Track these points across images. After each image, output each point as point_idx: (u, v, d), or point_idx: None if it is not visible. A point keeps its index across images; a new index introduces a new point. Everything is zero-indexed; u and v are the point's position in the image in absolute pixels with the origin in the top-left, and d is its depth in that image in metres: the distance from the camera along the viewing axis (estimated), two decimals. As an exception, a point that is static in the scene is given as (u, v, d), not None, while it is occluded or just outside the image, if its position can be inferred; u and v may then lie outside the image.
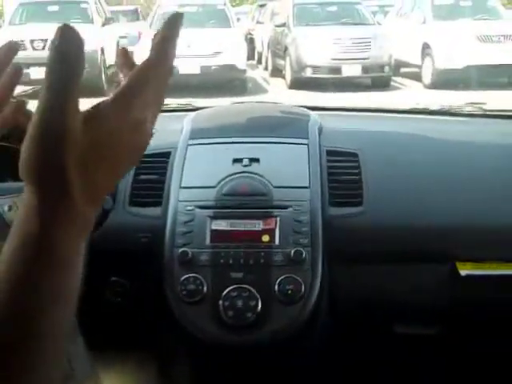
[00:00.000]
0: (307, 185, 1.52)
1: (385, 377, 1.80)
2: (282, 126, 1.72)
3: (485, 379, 1.77)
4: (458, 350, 1.74)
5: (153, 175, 1.59)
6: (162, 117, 2.08)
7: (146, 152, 1.67)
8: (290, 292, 1.38)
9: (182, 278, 1.40)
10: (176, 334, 1.48)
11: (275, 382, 1.57)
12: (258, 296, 1.38)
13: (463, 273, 1.52)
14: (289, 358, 1.54)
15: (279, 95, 9.73)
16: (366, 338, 1.67)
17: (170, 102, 2.27)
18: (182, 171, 1.55)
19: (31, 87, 10.78)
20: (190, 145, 1.61)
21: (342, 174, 1.58)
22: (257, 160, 1.57)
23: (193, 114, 1.79)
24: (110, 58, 11.74)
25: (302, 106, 1.91)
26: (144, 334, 1.59)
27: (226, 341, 1.38)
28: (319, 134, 1.66)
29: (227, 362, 1.50)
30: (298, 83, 10.78)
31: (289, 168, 1.57)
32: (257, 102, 2.25)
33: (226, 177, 1.53)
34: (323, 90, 9.27)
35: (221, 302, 1.37)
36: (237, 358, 1.47)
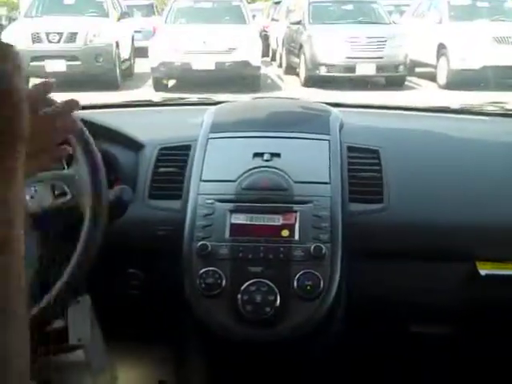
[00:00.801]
0: (328, 180, 1.51)
1: (397, 374, 1.79)
2: (303, 122, 1.71)
3: (498, 379, 1.75)
4: (475, 350, 1.73)
5: (173, 168, 1.58)
6: (182, 110, 2.09)
7: (165, 145, 1.68)
8: (308, 288, 1.38)
9: (201, 271, 1.39)
10: (193, 327, 1.48)
11: (290, 376, 1.57)
12: (277, 291, 1.37)
13: (483, 272, 1.51)
14: (304, 354, 1.54)
15: (293, 93, 9.72)
16: (382, 336, 1.66)
17: (188, 96, 2.27)
18: (203, 164, 1.55)
19: (46, 79, 10.83)
20: (211, 138, 1.61)
21: (362, 170, 1.58)
22: (278, 155, 1.56)
23: (213, 107, 1.78)
24: (125, 52, 11.76)
25: (322, 102, 1.90)
26: (161, 327, 1.59)
27: (244, 335, 1.38)
28: (340, 130, 1.65)
29: (244, 356, 1.49)
30: (312, 81, 10.78)
31: (309, 163, 1.56)
32: (277, 98, 2.25)
33: (247, 171, 1.52)
34: (337, 89, 9.25)
35: (239, 296, 1.37)
36: (253, 353, 1.47)
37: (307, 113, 1.82)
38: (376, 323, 1.61)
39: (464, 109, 2.14)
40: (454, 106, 2.16)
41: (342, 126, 1.67)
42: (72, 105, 0.97)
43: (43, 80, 0.94)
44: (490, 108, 2.13)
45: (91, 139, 1.20)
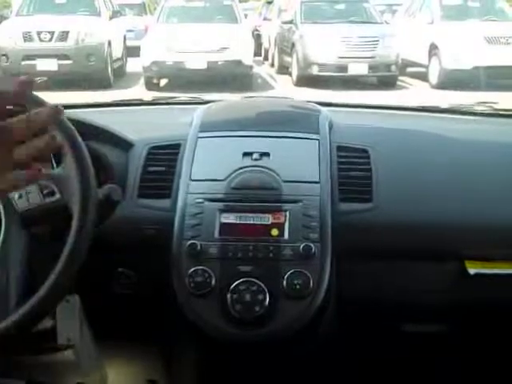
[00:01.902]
0: (317, 180, 1.51)
1: (388, 374, 1.79)
2: (293, 121, 1.71)
3: (492, 377, 1.76)
4: (466, 348, 1.74)
5: (162, 167, 1.58)
6: (171, 109, 2.09)
7: (155, 144, 1.67)
8: (298, 287, 1.38)
9: (190, 270, 1.39)
10: (183, 326, 1.47)
11: (280, 376, 1.57)
12: (266, 290, 1.37)
13: (472, 271, 1.51)
14: (295, 353, 1.54)
15: (285, 92, 9.72)
16: (372, 335, 1.67)
17: (179, 95, 2.27)
18: (192, 164, 1.55)
19: (37, 78, 10.80)
20: (200, 137, 1.61)
21: (352, 169, 1.58)
22: (267, 154, 1.56)
23: (203, 107, 1.78)
24: (117, 51, 11.74)
25: (312, 102, 1.90)
26: (150, 327, 1.59)
27: (233, 334, 1.38)
28: (330, 130, 1.65)
29: (233, 356, 1.49)
30: (305, 80, 10.80)
31: (299, 163, 1.56)
32: (267, 97, 2.25)
33: (236, 170, 1.52)
34: (329, 88, 9.27)
35: (229, 295, 1.37)
36: (243, 352, 1.47)
37: (297, 112, 1.82)
38: (366, 322, 1.61)
39: (454, 108, 2.15)
40: (444, 105, 2.16)
41: (331, 126, 1.68)
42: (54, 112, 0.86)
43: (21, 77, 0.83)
44: (480, 108, 2.13)
45: (80, 138, 1.20)
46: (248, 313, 1.36)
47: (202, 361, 1.59)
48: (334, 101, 2.18)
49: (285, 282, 1.38)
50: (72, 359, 1.51)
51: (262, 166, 1.53)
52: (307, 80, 10.74)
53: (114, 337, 1.64)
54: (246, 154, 1.56)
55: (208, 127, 1.65)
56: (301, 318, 1.38)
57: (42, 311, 1.20)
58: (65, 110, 1.19)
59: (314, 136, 1.61)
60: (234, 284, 1.38)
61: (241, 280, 1.38)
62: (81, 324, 1.45)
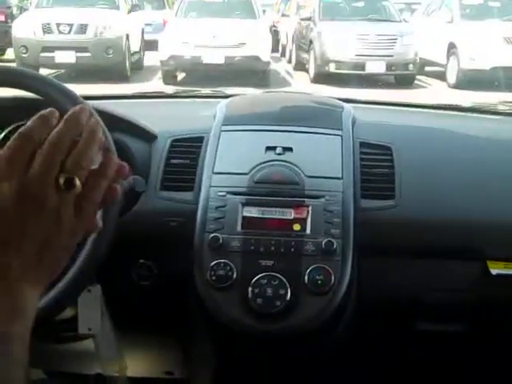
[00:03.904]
0: (340, 176, 1.51)
1: (405, 372, 1.79)
2: (316, 116, 1.71)
3: (508, 378, 1.75)
4: (483, 349, 1.73)
5: (185, 160, 1.58)
6: (194, 103, 2.09)
7: (178, 136, 1.67)
8: (319, 282, 1.38)
9: (212, 263, 1.39)
10: (202, 319, 1.48)
11: (298, 371, 1.57)
12: (288, 285, 1.37)
13: (494, 272, 1.50)
14: (313, 348, 1.54)
15: (302, 89, 9.71)
16: (389, 332, 1.66)
17: (199, 89, 2.27)
18: (215, 157, 1.55)
19: (55, 71, 10.86)
20: (224, 131, 1.61)
21: (374, 166, 1.57)
22: (290, 149, 1.56)
23: (225, 100, 1.78)
24: (135, 44, 11.77)
25: (335, 98, 1.90)
26: (170, 319, 1.59)
27: (254, 328, 1.38)
28: (352, 126, 1.65)
29: (253, 350, 1.49)
30: (322, 78, 10.78)
31: (322, 158, 1.56)
32: (289, 92, 2.24)
33: (259, 164, 1.52)
34: (346, 86, 9.24)
35: (250, 288, 1.37)
36: (262, 346, 1.47)
37: (320, 107, 1.82)
38: (386, 319, 1.61)
39: (475, 107, 2.14)
40: (467, 104, 2.15)
41: (354, 122, 1.67)
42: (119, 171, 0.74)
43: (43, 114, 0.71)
44: (502, 107, 2.12)
45: (106, 129, 1.20)
46: (269, 307, 1.36)
47: (220, 354, 1.60)
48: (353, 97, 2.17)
49: (306, 277, 1.38)
50: (92, 349, 1.52)
51: (284, 161, 1.53)
52: (324, 77, 10.72)
53: (134, 328, 1.65)
54: (268, 149, 1.56)
55: (231, 121, 1.65)
56: (321, 314, 1.38)
57: (65, 301, 1.21)
58: (89, 101, 1.19)
59: (337, 132, 1.61)
60: (256, 278, 1.38)
61: (262, 274, 1.38)
62: (102, 314, 1.46)
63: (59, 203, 0.67)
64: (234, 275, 1.38)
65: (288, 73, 12.43)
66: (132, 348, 1.73)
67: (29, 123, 0.68)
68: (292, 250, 1.41)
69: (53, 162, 0.66)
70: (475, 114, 2.10)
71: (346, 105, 1.77)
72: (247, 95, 2.00)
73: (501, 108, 2.12)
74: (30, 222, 0.66)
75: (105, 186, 0.70)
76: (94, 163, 0.69)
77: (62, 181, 0.66)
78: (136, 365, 1.77)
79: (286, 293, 1.37)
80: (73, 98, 1.20)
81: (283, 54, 14.71)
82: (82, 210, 0.68)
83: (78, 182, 0.67)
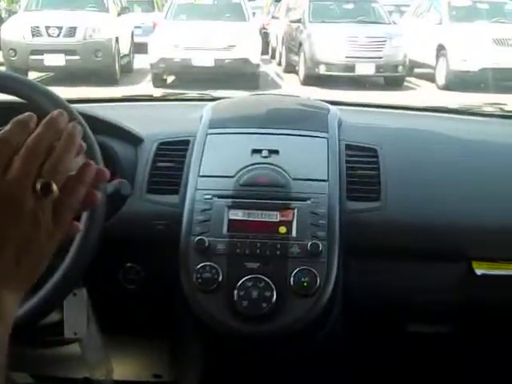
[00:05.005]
0: (326, 178, 1.51)
1: (394, 373, 1.79)
2: (302, 119, 1.72)
3: (497, 378, 1.76)
4: (471, 349, 1.74)
5: (171, 163, 1.59)
6: (181, 105, 2.08)
7: (164, 140, 1.67)
8: (305, 284, 1.38)
9: (198, 266, 1.39)
10: (189, 322, 1.48)
11: (286, 372, 1.57)
12: (274, 287, 1.37)
13: (479, 272, 1.51)
14: (300, 351, 1.54)
15: (292, 91, 9.72)
16: (376, 335, 1.67)
17: (188, 92, 2.27)
18: (201, 160, 1.55)
19: (44, 74, 10.83)
20: (210, 134, 1.61)
21: (360, 168, 1.58)
22: (276, 151, 1.56)
23: (212, 103, 1.78)
24: (124, 47, 11.75)
25: (321, 100, 1.90)
26: (157, 322, 1.59)
27: (239, 330, 1.38)
28: (338, 128, 1.65)
29: (239, 352, 1.49)
30: (312, 80, 10.80)
31: (308, 161, 1.56)
32: (276, 95, 2.25)
33: (245, 167, 1.52)
34: (336, 88, 9.26)
35: (236, 291, 1.37)
36: (249, 348, 1.47)
37: (306, 110, 1.83)
38: (372, 321, 1.61)
39: (462, 109, 2.14)
40: (453, 106, 2.16)
41: (340, 124, 1.68)
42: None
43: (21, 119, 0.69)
44: (489, 109, 2.13)
45: (90, 132, 1.20)
46: (255, 309, 1.36)
47: (208, 356, 1.60)
48: (341, 100, 2.18)
49: (292, 280, 1.38)
50: (78, 353, 1.52)
51: (270, 164, 1.53)
52: (314, 79, 10.75)
53: (121, 331, 1.65)
54: (255, 151, 1.56)
55: (217, 124, 1.65)
56: (307, 316, 1.39)
57: (50, 305, 1.21)
58: (75, 105, 1.19)
59: (323, 134, 1.61)
60: (242, 280, 1.38)
61: (248, 276, 1.38)
62: (88, 318, 1.45)
63: (36, 208, 0.66)
64: (220, 278, 1.39)
65: (278, 75, 12.44)
66: (120, 351, 1.73)
67: (7, 128, 0.68)
68: (278, 252, 1.41)
69: (30, 166, 0.66)
70: (461, 116, 2.11)
71: (332, 107, 1.77)
72: (234, 98, 2.00)
73: (487, 110, 2.13)
74: (7, 226, 0.66)
75: (83, 191, 0.70)
76: (73, 168, 0.69)
77: (38, 186, 0.66)
78: (124, 368, 1.77)
79: (272, 295, 1.37)
80: (57, 102, 1.19)
81: (273, 57, 14.72)
82: (60, 215, 0.68)
83: (55, 187, 0.67)
